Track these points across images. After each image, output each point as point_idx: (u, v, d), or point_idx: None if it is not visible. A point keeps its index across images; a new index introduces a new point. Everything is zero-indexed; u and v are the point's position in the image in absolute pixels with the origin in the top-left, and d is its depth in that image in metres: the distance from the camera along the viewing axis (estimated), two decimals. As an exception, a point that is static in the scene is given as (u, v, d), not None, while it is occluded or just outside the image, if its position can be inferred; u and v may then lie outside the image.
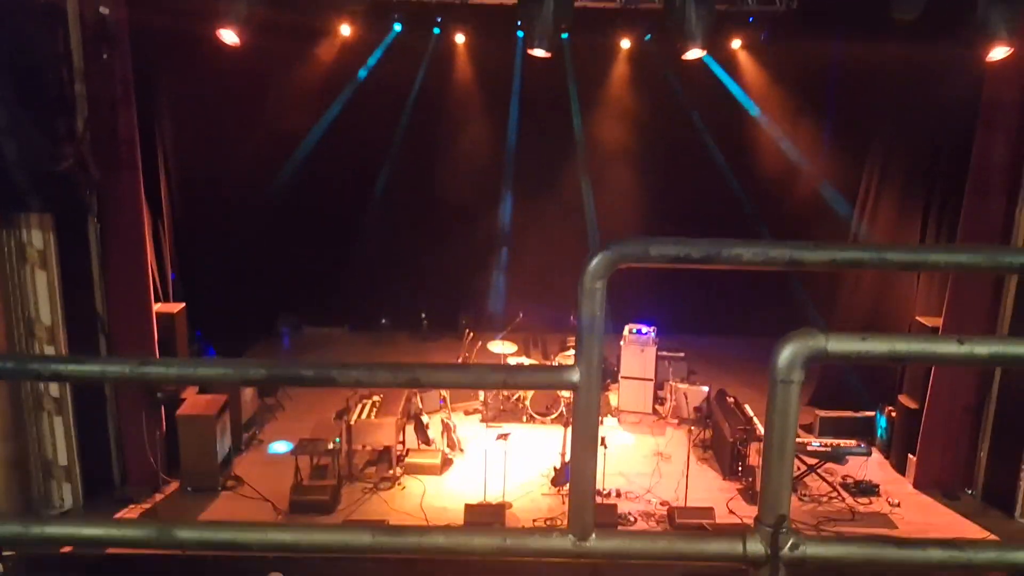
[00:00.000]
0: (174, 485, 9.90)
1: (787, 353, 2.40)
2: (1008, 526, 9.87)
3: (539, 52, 9.72)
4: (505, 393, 13.06)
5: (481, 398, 13.06)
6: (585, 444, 2.43)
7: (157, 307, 10.52)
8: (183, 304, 11.17)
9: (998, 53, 9.01)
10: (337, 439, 10.64)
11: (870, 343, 2.38)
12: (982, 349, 2.34)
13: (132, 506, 9.45)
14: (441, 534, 2.30)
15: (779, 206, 14.41)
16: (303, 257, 14.87)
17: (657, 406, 13.51)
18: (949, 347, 2.38)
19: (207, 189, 13.08)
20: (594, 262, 2.30)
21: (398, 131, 14.85)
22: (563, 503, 10.17)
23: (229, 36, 9.70)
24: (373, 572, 8.17)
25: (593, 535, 2.45)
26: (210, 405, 10.45)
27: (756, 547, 2.43)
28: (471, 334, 13.30)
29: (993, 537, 9.37)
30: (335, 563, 8.35)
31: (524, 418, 12.37)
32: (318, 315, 15.53)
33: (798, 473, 10.85)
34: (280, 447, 11.43)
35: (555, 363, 13.11)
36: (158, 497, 9.82)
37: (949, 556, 2.37)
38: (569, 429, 10.99)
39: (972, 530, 9.70)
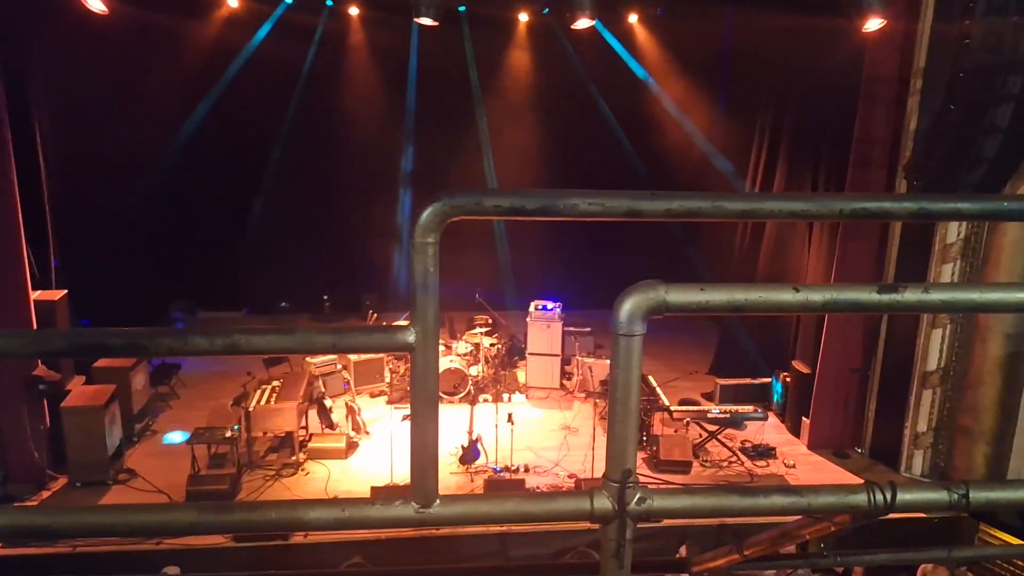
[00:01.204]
0: (62, 481, 9.41)
1: (628, 306, 2.42)
2: (894, 480, 10.34)
3: (426, 21, 9.56)
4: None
5: (387, 379, 13.00)
6: (424, 408, 2.37)
7: (36, 295, 9.98)
8: (64, 291, 10.64)
9: (873, 24, 9.29)
10: (235, 426, 10.36)
11: (709, 293, 2.39)
12: (817, 296, 2.37)
13: (16, 505, 8.99)
14: (272, 509, 2.20)
15: (674, 175, 14.69)
16: (195, 240, 14.60)
17: (564, 381, 13.62)
18: (786, 295, 2.40)
19: (90, 172, 12.51)
20: (425, 215, 2.22)
21: (291, 107, 14.51)
22: (471, 479, 10.21)
23: (95, 3, 9.12)
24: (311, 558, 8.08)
25: (437, 501, 2.41)
26: (97, 395, 10.01)
27: (603, 503, 2.42)
28: (374, 314, 13.18)
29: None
30: (255, 552, 8.24)
31: (431, 397, 12.43)
32: (213, 299, 15.18)
33: (700, 440, 11.12)
34: (175, 437, 11.07)
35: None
36: (45, 494, 9.38)
37: (790, 502, 2.40)
38: (475, 407, 11.01)
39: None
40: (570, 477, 10.37)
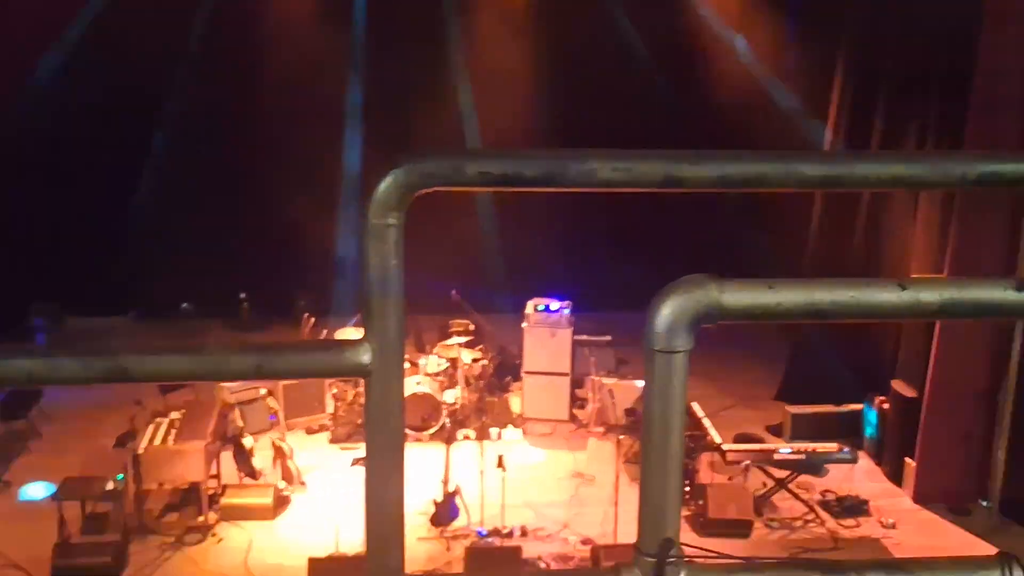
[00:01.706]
0: None
1: (668, 311, 2.42)
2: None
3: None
4: (363, 398, 13.05)
5: (330, 409, 13.03)
6: (383, 450, 2.37)
7: None
8: None
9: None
10: (120, 476, 10.39)
11: (780, 293, 2.38)
12: (930, 296, 2.37)
13: None
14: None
15: (725, 127, 14.71)
16: (62, 232, 14.65)
17: (576, 410, 13.66)
18: (887, 295, 2.40)
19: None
20: (383, 187, 2.21)
21: (189, 40, 14.50)
22: (447, 548, 10.28)
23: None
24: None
25: None
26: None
27: None
28: (311, 319, 13.18)
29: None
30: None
31: (391, 434, 12.56)
32: (88, 301, 15.21)
33: (764, 491, 11.16)
34: (36, 491, 11.08)
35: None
36: None
37: (893, 582, 2.41)
38: (452, 447, 11.06)
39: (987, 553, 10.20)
40: (584, 544, 10.40)
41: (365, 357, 2.35)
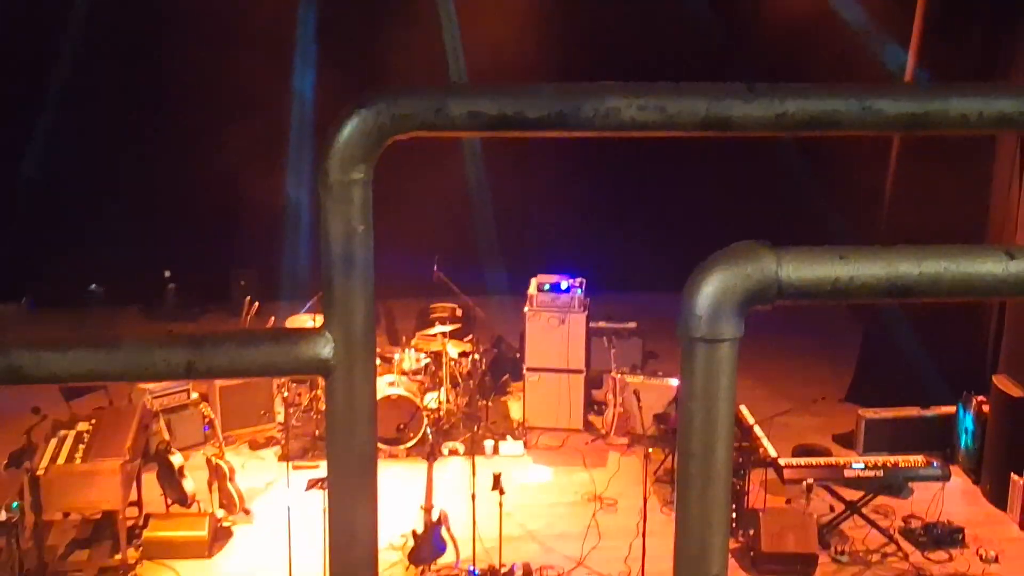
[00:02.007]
0: None
1: (712, 289, 2.44)
2: None
3: None
4: (321, 404, 13.03)
5: (280, 418, 13.12)
6: (349, 470, 2.38)
7: None
8: None
9: None
10: (14, 504, 10.39)
11: (854, 264, 2.38)
12: (1046, 266, 2.37)
13: None
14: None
15: (787, 54, 14.68)
16: None
17: (592, 417, 13.75)
18: (991, 265, 2.39)
19: None
20: (346, 133, 2.20)
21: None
22: (430, 594, 10.40)
23: None
24: None
25: None
26: None
27: None
28: (254, 305, 13.20)
29: None
30: None
31: (357, 449, 12.64)
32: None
33: (832, 517, 11.22)
34: (-93, 526, 11.09)
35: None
36: None
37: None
38: (436, 464, 11.11)
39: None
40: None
41: (325, 350, 2.35)
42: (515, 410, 13.72)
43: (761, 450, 11.33)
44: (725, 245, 2.50)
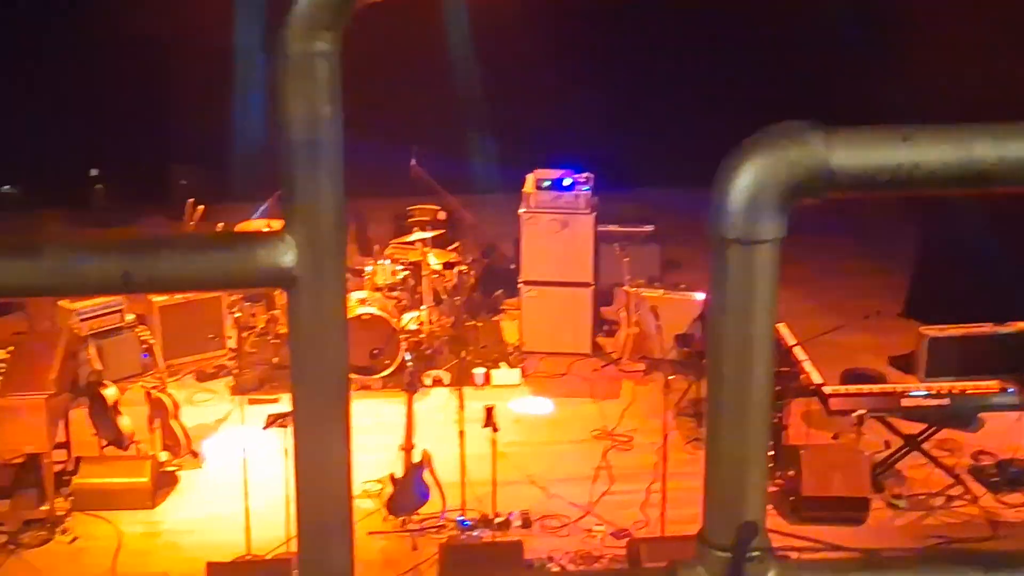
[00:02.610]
0: None
1: (748, 180, 2.44)
2: None
3: None
4: (280, 327, 13.08)
5: (232, 343, 13.18)
6: (316, 406, 2.38)
7: None
8: None
9: None
10: (-84, 448, 10.45)
11: (922, 147, 2.35)
12: None
13: None
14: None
15: None
16: None
17: (602, 339, 13.82)
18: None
19: None
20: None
21: None
22: (413, 547, 10.44)
23: None
24: None
25: None
26: None
27: None
28: (199, 208, 13.15)
29: None
30: None
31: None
32: None
33: (887, 455, 11.31)
34: None
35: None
36: None
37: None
38: (416, 397, 11.13)
39: None
40: (617, 537, 10.55)
41: (286, 258, 2.34)
42: (510, 332, 13.78)
43: (803, 375, 11.34)
44: (767, 122, 2.48)
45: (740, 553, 2.46)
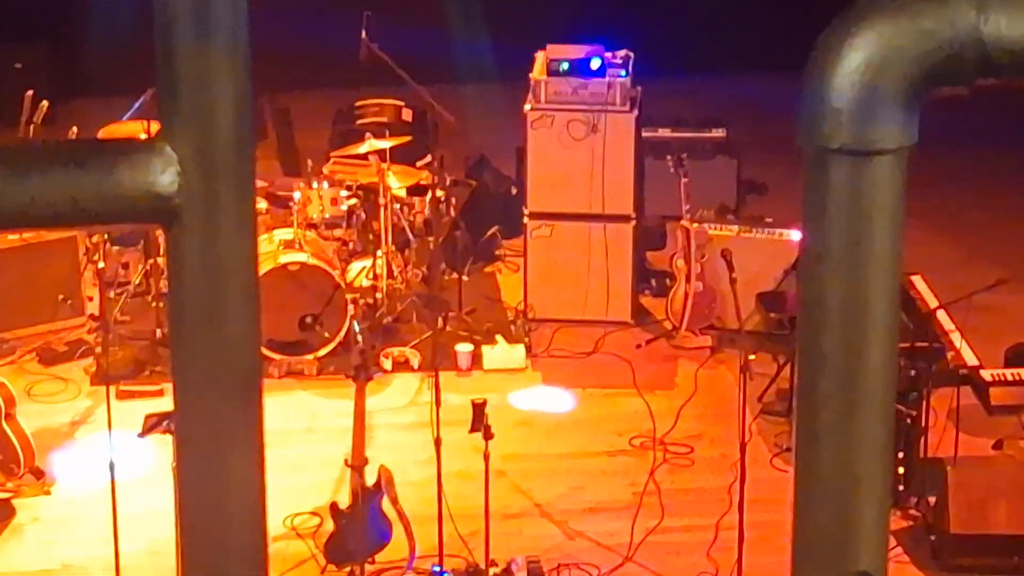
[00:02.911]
0: None
1: (858, 62, 2.45)
2: None
3: None
4: (165, 283, 13.05)
5: (93, 307, 13.21)
6: (210, 407, 2.37)
7: None
8: None
9: None
10: None
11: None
12: None
13: None
14: None
15: None
16: None
17: (649, 299, 14.05)
18: None
19: None
20: None
21: None
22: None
23: None
24: None
25: None
26: None
27: None
28: (42, 104, 13.17)
29: None
30: None
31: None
32: None
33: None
34: None
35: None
36: None
37: None
38: (369, 387, 11.16)
39: None
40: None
41: (164, 179, 2.35)
42: (510, 290, 13.85)
43: (951, 354, 11.39)
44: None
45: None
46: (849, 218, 2.37)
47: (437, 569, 10.68)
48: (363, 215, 13.31)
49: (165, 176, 2.31)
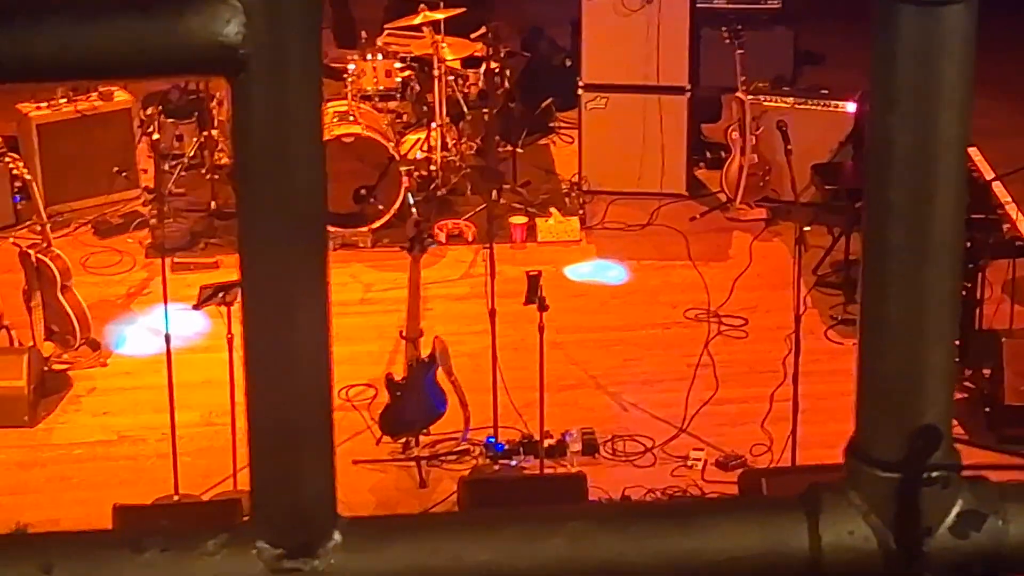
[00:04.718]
0: None
1: None
2: None
3: None
4: (221, 154, 13.13)
5: (148, 180, 13.22)
6: (275, 273, 2.35)
7: None
8: None
9: None
10: None
11: None
12: None
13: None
14: None
15: None
16: None
17: (703, 171, 14.04)
18: None
19: None
20: None
21: None
22: (420, 482, 10.59)
23: None
24: None
25: (335, 539, 2.52)
26: None
27: (848, 527, 2.50)
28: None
29: None
30: None
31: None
32: None
33: None
34: None
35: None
36: None
37: None
38: (425, 259, 11.12)
39: None
40: (726, 467, 10.71)
41: (231, 28, 2.33)
42: (564, 162, 13.79)
43: (1006, 226, 11.33)
44: None
45: (915, 471, 2.46)
46: (919, 67, 2.34)
47: (492, 440, 10.72)
48: (417, 87, 13.29)
49: (231, 25, 2.29)
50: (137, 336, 11.83)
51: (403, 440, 10.75)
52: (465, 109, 13.46)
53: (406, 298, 10.72)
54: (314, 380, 2.64)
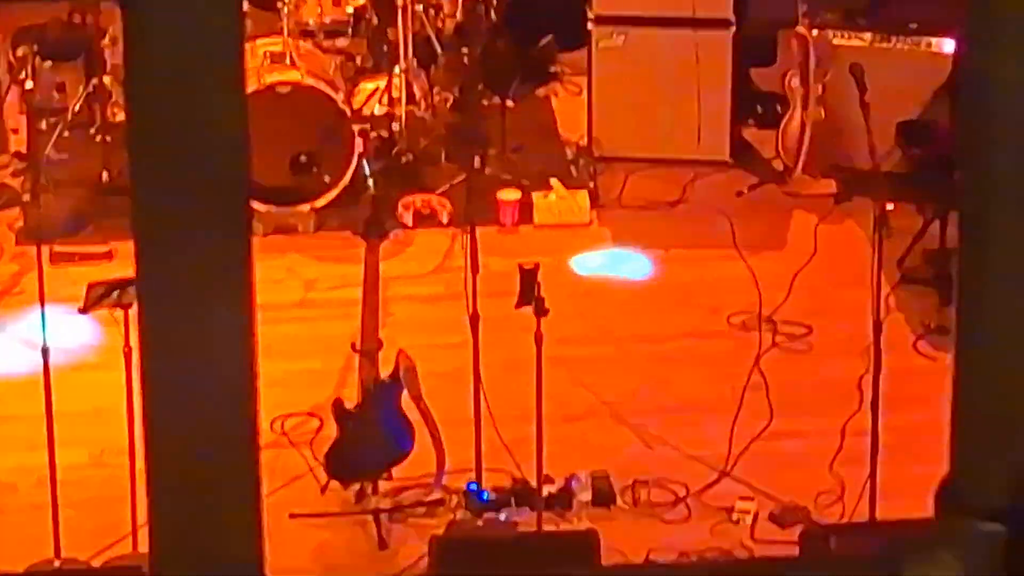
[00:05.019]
0: None
1: None
2: None
3: None
4: (116, 109, 13.10)
5: (18, 143, 13.23)
6: (188, 290, 2.37)
7: None
8: None
9: None
10: None
11: None
12: None
13: None
14: None
15: None
16: None
17: (751, 131, 14.06)
18: None
19: None
20: None
21: None
22: (378, 543, 10.57)
23: None
24: None
25: None
26: None
27: None
28: None
29: None
30: None
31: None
32: None
33: None
34: None
35: None
36: None
37: None
38: (379, 251, 11.18)
39: None
40: (783, 522, 10.70)
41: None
42: (569, 119, 13.84)
43: None
44: None
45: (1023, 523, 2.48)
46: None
47: (474, 487, 10.74)
48: (375, 19, 13.31)
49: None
50: (5, 350, 11.86)
51: (356, 487, 10.77)
52: (438, 49, 13.50)
53: (360, 299, 10.77)
54: (234, 408, 2.67)
